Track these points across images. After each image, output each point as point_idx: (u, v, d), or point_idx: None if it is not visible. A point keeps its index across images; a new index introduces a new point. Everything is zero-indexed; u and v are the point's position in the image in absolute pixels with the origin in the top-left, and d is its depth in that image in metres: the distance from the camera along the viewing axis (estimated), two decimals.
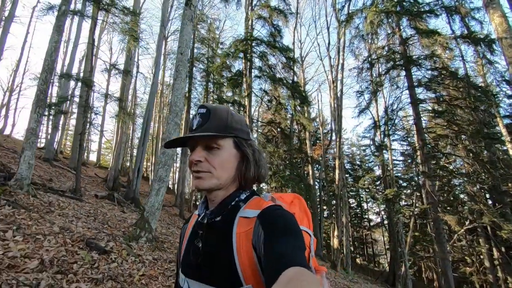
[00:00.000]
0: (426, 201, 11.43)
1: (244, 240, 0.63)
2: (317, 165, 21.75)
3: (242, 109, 8.64)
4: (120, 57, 38.73)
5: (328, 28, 17.23)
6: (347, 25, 13.05)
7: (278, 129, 9.12)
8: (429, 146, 10.96)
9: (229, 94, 14.91)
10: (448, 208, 12.45)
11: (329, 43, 16.25)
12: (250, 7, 9.18)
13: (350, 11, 13.43)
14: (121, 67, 11.11)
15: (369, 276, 17.29)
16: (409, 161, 17.58)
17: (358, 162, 30.33)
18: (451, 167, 12.93)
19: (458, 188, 14.19)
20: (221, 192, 0.72)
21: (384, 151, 14.73)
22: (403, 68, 10.12)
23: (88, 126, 7.63)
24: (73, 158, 14.34)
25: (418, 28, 10.30)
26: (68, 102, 12.39)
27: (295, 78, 10.22)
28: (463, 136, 10.20)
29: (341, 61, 14.19)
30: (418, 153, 11.22)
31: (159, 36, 11.60)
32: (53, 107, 6.77)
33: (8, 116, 22.01)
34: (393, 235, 16.11)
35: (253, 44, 8.63)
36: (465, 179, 10.73)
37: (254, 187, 0.79)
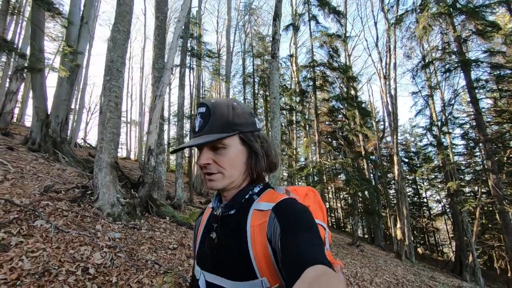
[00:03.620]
0: (492, 192, 11.56)
1: (258, 233, 0.63)
2: (371, 157, 22.03)
3: (309, 123, 10.10)
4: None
5: (375, 24, 17.42)
6: (396, 26, 13.42)
7: (342, 138, 10.35)
8: (492, 138, 11.03)
9: (286, 100, 16.45)
10: None
11: (377, 38, 16.49)
12: (309, 33, 10.53)
13: (399, 12, 13.73)
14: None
15: (433, 265, 17.45)
16: (471, 145, 17.02)
17: (413, 150, 29.44)
18: None
19: None
20: (234, 190, 0.73)
21: (443, 139, 14.77)
22: (461, 68, 10.43)
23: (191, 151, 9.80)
24: None
25: (475, 25, 10.43)
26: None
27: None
28: None
29: (393, 60, 14.54)
30: (481, 145, 11.38)
31: (226, 61, 13.56)
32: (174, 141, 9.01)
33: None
34: (457, 224, 15.87)
35: (315, 66, 10.00)
36: None
37: (267, 179, 0.79)
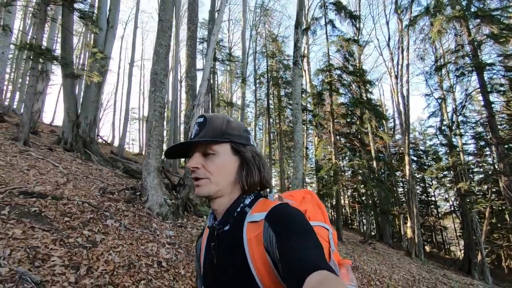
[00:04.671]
0: (504, 194, 11.72)
1: (256, 246, 0.62)
2: (380, 155, 22.14)
3: (324, 126, 10.44)
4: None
5: (387, 23, 17.46)
6: (410, 27, 13.51)
7: (357, 140, 10.66)
8: (505, 140, 11.20)
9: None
10: None
11: (389, 37, 16.53)
12: (326, 37, 10.80)
13: (412, 12, 13.79)
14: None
15: (441, 263, 17.64)
16: (481, 144, 17.08)
17: (422, 148, 29.42)
18: None
19: None
20: (223, 199, 0.72)
21: (453, 139, 14.91)
22: (475, 71, 10.59)
23: None
24: (174, 166, 18.03)
25: (489, 28, 10.54)
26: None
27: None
28: None
29: (405, 61, 14.64)
30: (493, 148, 11.57)
31: (242, 63, 13.91)
32: None
33: (115, 130, 27.57)
34: (466, 223, 15.97)
35: (331, 70, 10.30)
36: None
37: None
